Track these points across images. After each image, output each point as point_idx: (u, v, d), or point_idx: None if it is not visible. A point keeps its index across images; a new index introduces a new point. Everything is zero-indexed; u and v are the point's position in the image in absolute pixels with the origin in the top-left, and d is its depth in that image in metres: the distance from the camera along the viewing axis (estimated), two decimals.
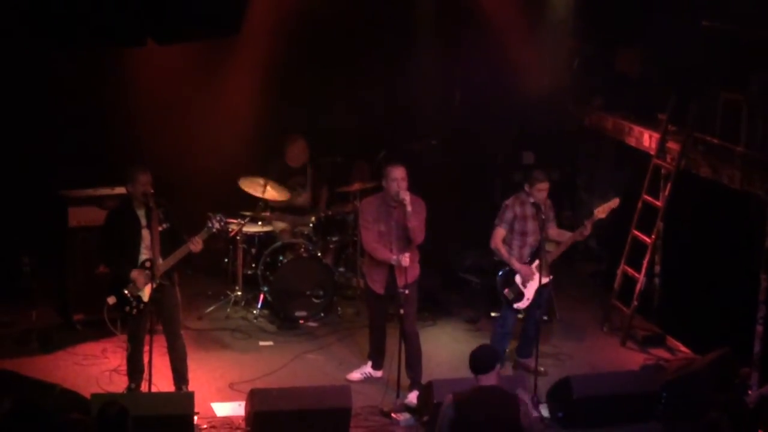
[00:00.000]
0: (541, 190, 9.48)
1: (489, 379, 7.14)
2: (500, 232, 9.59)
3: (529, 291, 9.56)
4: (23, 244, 10.54)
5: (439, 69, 12.68)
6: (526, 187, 9.55)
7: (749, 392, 9.14)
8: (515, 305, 9.60)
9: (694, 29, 10.01)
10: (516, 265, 9.55)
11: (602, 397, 8.85)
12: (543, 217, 9.44)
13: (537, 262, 9.54)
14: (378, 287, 9.37)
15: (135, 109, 11.72)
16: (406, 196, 9.07)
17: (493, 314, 10.53)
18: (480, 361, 7.19)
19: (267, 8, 11.54)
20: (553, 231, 9.78)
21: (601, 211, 9.58)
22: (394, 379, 9.12)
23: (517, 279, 9.58)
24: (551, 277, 9.68)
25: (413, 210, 9.09)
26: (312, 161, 11.60)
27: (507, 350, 9.81)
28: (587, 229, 9.55)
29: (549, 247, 9.71)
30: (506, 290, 9.60)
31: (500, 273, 9.67)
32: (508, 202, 9.64)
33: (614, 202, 9.66)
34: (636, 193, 11.07)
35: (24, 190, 11.18)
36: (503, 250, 9.59)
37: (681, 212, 10.87)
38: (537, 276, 9.52)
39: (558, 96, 12.59)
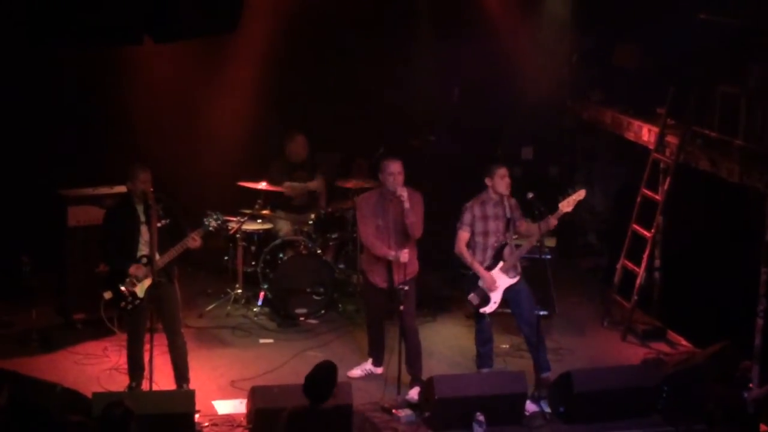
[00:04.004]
0: (503, 177, 9.21)
1: (326, 404, 7.34)
2: (462, 236, 9.31)
3: (496, 295, 9.31)
4: (23, 244, 10.53)
5: (438, 65, 12.66)
6: (488, 181, 9.27)
7: (750, 386, 9.14)
8: (481, 310, 9.36)
9: (692, 22, 10.00)
10: (479, 270, 9.27)
11: (603, 392, 8.85)
12: (508, 213, 9.19)
13: (501, 263, 9.32)
14: (379, 281, 9.34)
15: (134, 107, 11.71)
16: (404, 192, 9.06)
17: None
18: (314, 389, 7.34)
19: (265, 4, 11.54)
20: (523, 227, 9.39)
21: (566, 204, 9.16)
22: (394, 375, 9.12)
23: (481, 283, 9.31)
24: (518, 278, 9.32)
25: (410, 204, 9.07)
26: (311, 159, 11.59)
27: (492, 354, 9.61)
28: (552, 222, 9.14)
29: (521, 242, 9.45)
30: (471, 295, 9.35)
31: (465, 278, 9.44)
32: (467, 204, 9.36)
33: (580, 194, 9.21)
34: (635, 187, 11.07)
35: (24, 190, 11.17)
36: (467, 255, 9.29)
37: (680, 206, 10.86)
38: (501, 281, 9.32)
39: (556, 91, 12.58)
